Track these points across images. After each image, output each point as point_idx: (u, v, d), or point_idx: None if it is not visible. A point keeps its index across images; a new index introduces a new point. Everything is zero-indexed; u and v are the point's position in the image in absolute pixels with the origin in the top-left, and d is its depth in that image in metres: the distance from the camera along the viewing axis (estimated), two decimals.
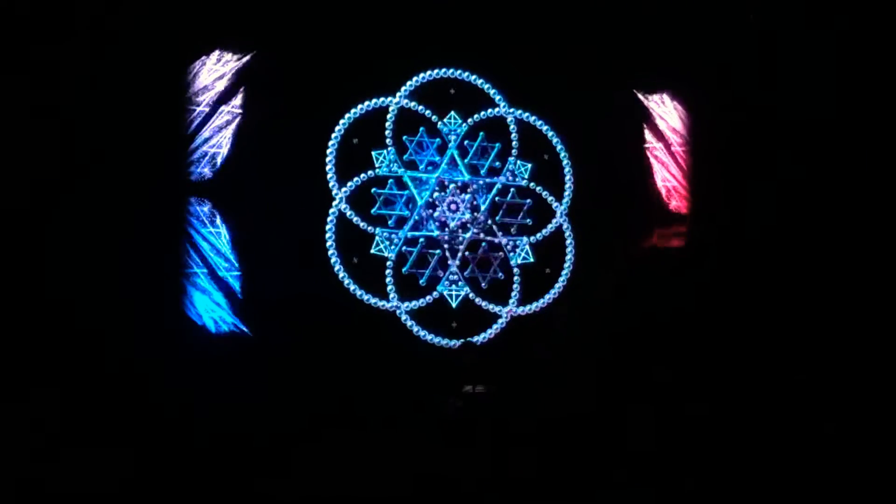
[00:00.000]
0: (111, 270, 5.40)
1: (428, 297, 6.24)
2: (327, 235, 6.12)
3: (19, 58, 5.35)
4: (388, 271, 6.18)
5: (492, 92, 6.46)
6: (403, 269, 6.20)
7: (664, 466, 6.24)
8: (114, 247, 5.34)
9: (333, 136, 6.15)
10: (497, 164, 6.40)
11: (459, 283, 6.26)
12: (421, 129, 6.30)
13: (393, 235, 6.20)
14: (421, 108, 6.32)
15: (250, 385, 5.98)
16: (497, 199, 6.37)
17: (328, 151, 6.14)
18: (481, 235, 6.32)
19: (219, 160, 5.97)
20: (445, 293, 6.25)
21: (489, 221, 6.34)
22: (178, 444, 5.72)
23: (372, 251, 6.17)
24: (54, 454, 5.17)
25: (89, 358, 5.53)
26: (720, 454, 6.28)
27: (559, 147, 6.51)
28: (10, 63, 5.35)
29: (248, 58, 5.96)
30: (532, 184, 6.46)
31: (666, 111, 6.65)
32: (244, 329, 5.97)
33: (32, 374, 5.30)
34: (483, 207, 6.33)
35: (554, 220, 6.48)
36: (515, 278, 6.36)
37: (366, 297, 6.15)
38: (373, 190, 6.19)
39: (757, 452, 6.29)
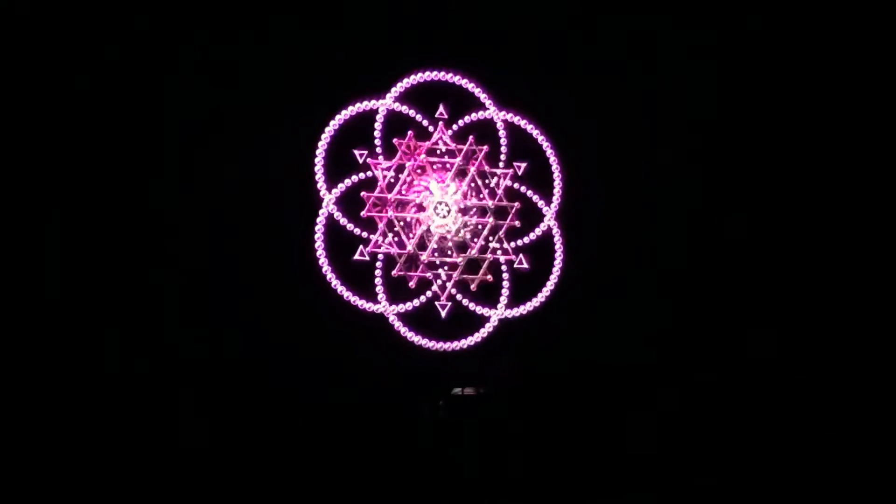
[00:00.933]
0: None
1: (417, 300, 6.21)
2: (316, 238, 6.11)
3: None
4: (377, 274, 6.16)
5: (480, 94, 6.45)
6: (392, 272, 6.19)
7: (662, 470, 6.25)
8: None
9: (322, 138, 6.14)
10: (486, 166, 6.38)
11: (449, 285, 6.25)
12: (409, 131, 6.28)
13: (381, 238, 6.18)
14: (410, 110, 6.31)
15: (239, 387, 6.00)
16: (485, 201, 6.35)
17: (317, 154, 6.15)
18: (470, 238, 6.30)
19: None
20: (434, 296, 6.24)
21: (478, 224, 6.32)
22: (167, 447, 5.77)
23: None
24: None
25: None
26: (719, 457, 6.31)
27: (548, 150, 6.51)
28: None
29: None
30: (522, 186, 6.45)
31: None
32: None
33: None
34: (472, 210, 6.32)
35: (543, 223, 6.47)
36: (504, 281, 6.34)
37: (354, 300, 6.13)
38: (361, 193, 6.19)
39: (756, 455, 6.31)
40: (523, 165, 6.41)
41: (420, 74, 6.34)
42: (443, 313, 6.19)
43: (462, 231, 6.22)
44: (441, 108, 6.33)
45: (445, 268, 6.24)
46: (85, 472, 5.64)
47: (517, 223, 6.37)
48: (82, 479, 5.62)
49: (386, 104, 6.28)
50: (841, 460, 6.34)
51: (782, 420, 6.46)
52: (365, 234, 6.16)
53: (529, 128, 6.48)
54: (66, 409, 5.71)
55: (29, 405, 5.66)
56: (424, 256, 6.19)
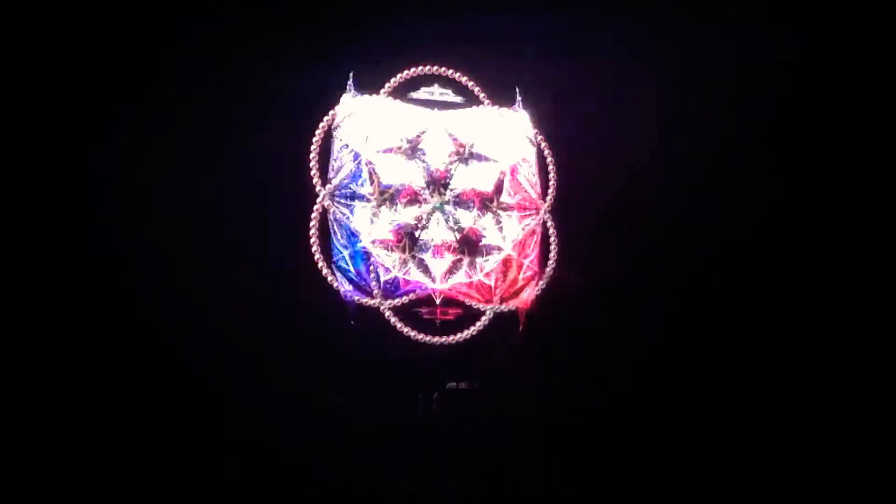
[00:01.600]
0: None
1: (412, 294, 6.18)
2: (311, 232, 6.08)
3: None
4: (371, 268, 6.15)
5: (475, 89, 6.45)
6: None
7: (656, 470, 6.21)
8: None
9: (317, 133, 6.12)
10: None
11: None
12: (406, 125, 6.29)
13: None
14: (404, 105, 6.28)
15: (235, 383, 6.00)
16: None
17: (311, 148, 6.14)
18: (466, 233, 6.29)
19: None
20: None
21: (474, 221, 6.30)
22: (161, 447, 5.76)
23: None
24: None
25: None
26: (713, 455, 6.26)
27: (543, 144, 6.51)
28: None
29: None
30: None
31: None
32: None
33: None
34: (467, 206, 6.31)
35: (537, 218, 6.43)
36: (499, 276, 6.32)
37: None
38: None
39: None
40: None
41: (415, 69, 6.35)
42: (437, 300, 6.18)
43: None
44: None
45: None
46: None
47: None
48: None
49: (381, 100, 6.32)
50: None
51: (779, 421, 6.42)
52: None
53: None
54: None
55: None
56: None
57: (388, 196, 6.10)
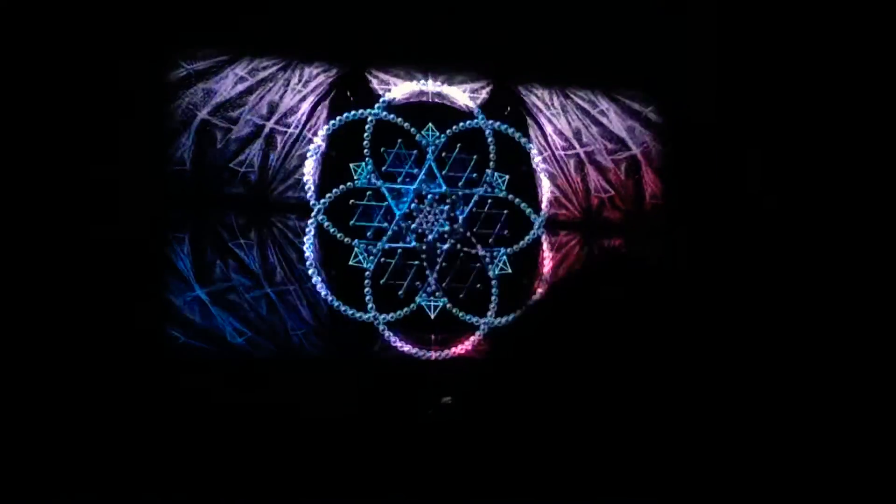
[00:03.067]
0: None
1: (406, 309, 6.23)
2: (306, 247, 6.14)
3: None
4: (366, 283, 6.18)
5: (469, 103, 6.50)
6: (381, 281, 6.20)
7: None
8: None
9: (312, 147, 6.17)
10: (475, 175, 6.42)
11: (438, 294, 6.26)
12: (399, 140, 6.33)
13: (371, 247, 6.21)
14: (399, 119, 6.36)
15: (225, 394, 5.99)
16: (475, 210, 6.39)
17: (306, 163, 6.18)
18: (459, 246, 6.32)
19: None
20: (424, 304, 6.24)
21: (467, 233, 6.35)
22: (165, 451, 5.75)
23: (350, 262, 6.19)
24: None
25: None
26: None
27: (537, 158, 6.54)
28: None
29: None
30: (510, 195, 6.48)
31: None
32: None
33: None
34: (461, 219, 6.35)
35: (532, 232, 6.49)
36: (493, 289, 6.35)
37: (344, 309, 6.15)
38: (350, 201, 6.22)
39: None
40: (506, 178, 6.47)
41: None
42: (431, 315, 6.22)
43: None
44: None
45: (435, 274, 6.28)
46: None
47: (506, 232, 6.42)
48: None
49: (375, 113, 6.32)
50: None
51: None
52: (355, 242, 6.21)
53: (518, 137, 6.53)
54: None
55: None
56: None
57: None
